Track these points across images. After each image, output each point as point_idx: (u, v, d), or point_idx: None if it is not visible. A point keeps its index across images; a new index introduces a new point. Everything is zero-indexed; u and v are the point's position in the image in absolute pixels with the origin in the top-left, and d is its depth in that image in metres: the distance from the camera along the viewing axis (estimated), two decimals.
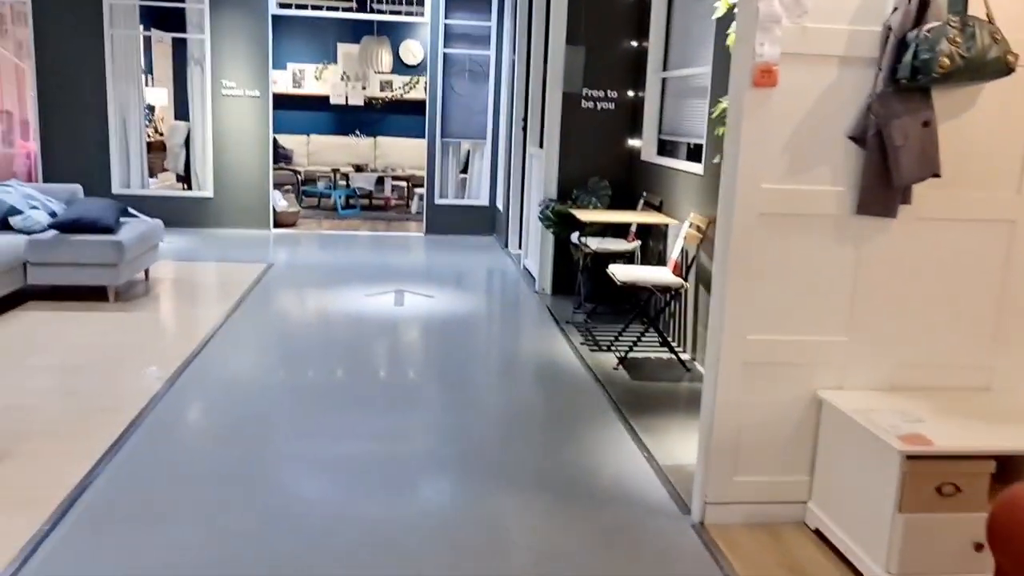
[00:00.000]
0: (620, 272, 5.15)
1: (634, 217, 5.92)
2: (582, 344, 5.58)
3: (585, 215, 5.79)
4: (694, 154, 5.92)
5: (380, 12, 11.05)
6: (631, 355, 5.25)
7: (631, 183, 6.75)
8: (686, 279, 5.12)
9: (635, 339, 5.30)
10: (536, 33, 7.61)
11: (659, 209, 6.03)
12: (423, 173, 11.22)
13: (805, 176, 2.96)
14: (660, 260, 5.92)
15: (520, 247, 8.57)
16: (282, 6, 9.74)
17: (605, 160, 6.84)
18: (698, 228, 5.15)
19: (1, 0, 9.80)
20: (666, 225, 5.66)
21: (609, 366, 5.12)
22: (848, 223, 3.00)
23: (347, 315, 6.23)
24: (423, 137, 10.78)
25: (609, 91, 6.79)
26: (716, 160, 3.42)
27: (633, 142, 6.78)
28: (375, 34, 12.32)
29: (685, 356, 5.31)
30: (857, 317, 3.06)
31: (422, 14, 9.91)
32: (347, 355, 5.36)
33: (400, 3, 10.94)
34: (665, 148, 6.58)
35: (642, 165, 6.57)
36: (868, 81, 2.88)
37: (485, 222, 10.04)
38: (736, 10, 3.12)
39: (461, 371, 5.22)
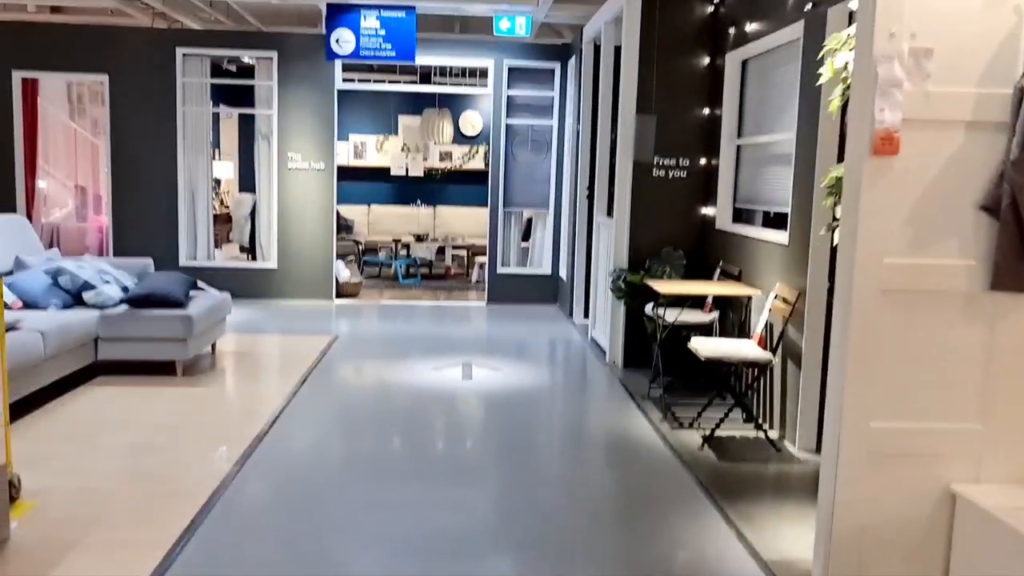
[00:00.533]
0: (704, 347, 4.91)
1: (715, 288, 5.69)
2: (661, 421, 5.31)
3: (662, 286, 5.58)
4: (773, 222, 5.71)
5: (442, 84, 11.18)
6: (715, 434, 4.97)
7: (705, 252, 6.55)
8: (774, 353, 4.86)
9: (721, 417, 5.02)
10: (603, 102, 7.54)
11: (738, 279, 5.80)
12: (483, 242, 11.18)
13: (931, 249, 2.73)
14: (740, 332, 5.66)
15: (586, 317, 8.38)
16: (346, 80, 9.89)
17: (677, 229, 6.66)
18: (784, 300, 4.91)
19: (80, 82, 10.15)
20: (749, 297, 5.42)
21: (693, 445, 4.85)
22: (980, 299, 2.75)
23: (415, 390, 6.06)
24: (482, 206, 10.77)
25: (681, 159, 6.65)
26: (822, 232, 3.22)
27: (706, 210, 6.60)
28: (436, 106, 12.45)
29: (773, 434, 5.01)
30: (993, 402, 2.79)
31: (485, 85, 9.96)
32: (418, 433, 5.17)
33: (463, 76, 11.05)
34: (741, 216, 6.38)
35: (717, 234, 6.36)
36: (999, 147, 2.67)
37: (548, 291, 9.89)
38: (847, 74, 2.95)
39: (538, 450, 4.99)
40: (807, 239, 4.70)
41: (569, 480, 4.48)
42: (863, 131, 2.71)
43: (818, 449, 4.76)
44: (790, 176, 5.02)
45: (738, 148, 6.25)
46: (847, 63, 3.10)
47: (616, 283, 6.53)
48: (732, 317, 5.86)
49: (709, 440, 4.86)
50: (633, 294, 6.39)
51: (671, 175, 6.66)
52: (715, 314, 5.86)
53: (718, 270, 6.14)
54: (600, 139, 7.60)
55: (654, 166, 6.63)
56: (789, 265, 4.96)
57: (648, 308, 6.14)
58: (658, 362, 5.77)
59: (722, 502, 4.01)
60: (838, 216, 3.29)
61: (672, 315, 5.62)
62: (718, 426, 4.92)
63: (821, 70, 3.27)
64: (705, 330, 5.89)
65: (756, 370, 4.88)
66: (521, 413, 5.69)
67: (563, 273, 9.42)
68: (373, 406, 5.77)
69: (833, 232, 3.30)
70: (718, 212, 6.37)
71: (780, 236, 5.14)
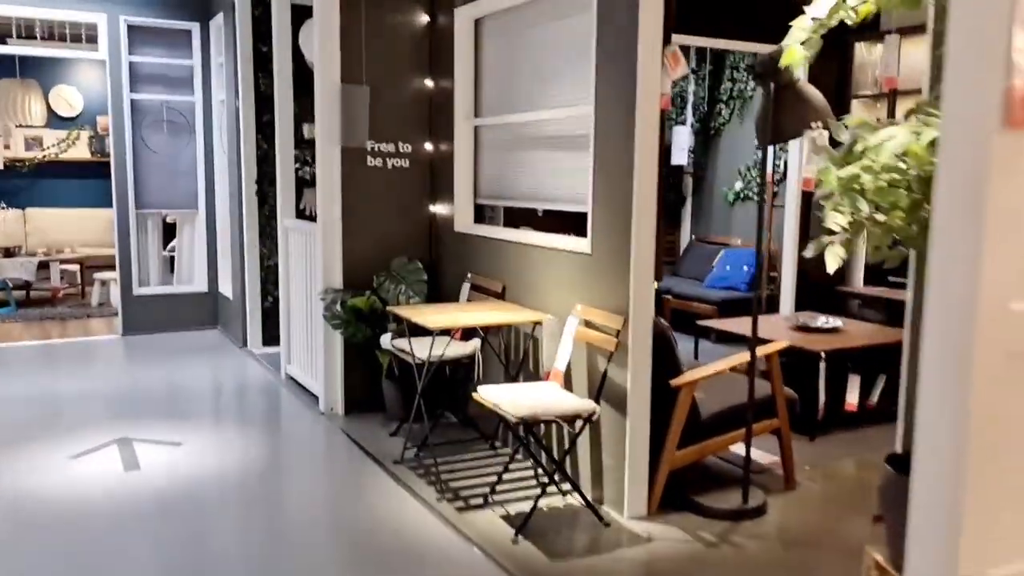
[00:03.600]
0: (506, 401, 3.57)
1: (498, 315, 4.27)
2: (439, 500, 3.91)
3: (419, 314, 4.13)
4: (545, 223, 4.60)
5: (28, 44, 8.31)
6: (510, 506, 3.71)
7: (442, 262, 5.23)
8: (598, 398, 3.71)
9: (537, 494, 3.75)
10: (280, 72, 5.82)
11: (501, 297, 4.59)
12: (103, 253, 8.70)
13: None
14: (517, 368, 4.45)
15: (268, 345, 6.65)
16: None
17: (407, 234, 5.24)
18: (589, 324, 3.80)
19: None
20: (537, 323, 4.20)
21: (501, 536, 3.53)
22: None
23: (54, 499, 3.92)
24: (98, 207, 8.33)
25: (402, 144, 5.22)
26: (826, 241, 2.08)
27: (439, 208, 5.27)
28: (18, 76, 9.45)
29: (587, 497, 3.88)
30: None
31: (95, 50, 7.52)
32: None
33: (54, 39, 8.33)
34: (483, 215, 5.18)
35: (457, 238, 5.07)
36: None
37: (205, 313, 7.81)
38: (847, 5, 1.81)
39: None
40: (624, 248, 3.62)
41: None
42: (987, 88, 1.59)
43: (649, 514, 3.74)
44: (584, 166, 3.89)
45: (477, 129, 5.02)
46: None
47: (331, 308, 4.95)
48: (498, 346, 4.62)
49: (523, 527, 3.58)
50: (357, 322, 4.88)
51: (391, 164, 5.21)
52: (476, 343, 4.57)
53: (467, 285, 4.86)
54: (280, 119, 5.87)
55: (368, 153, 5.13)
56: (594, 281, 3.84)
57: (385, 339, 4.67)
58: (422, 416, 4.33)
59: None
60: (834, 228, 2.19)
61: (433, 348, 4.21)
62: (535, 506, 3.65)
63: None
64: (467, 365, 4.61)
65: (581, 424, 3.68)
66: (236, 515, 3.91)
67: (226, 290, 7.46)
68: None
69: (822, 252, 2.18)
70: (456, 211, 5.08)
71: (576, 243, 4.01)
